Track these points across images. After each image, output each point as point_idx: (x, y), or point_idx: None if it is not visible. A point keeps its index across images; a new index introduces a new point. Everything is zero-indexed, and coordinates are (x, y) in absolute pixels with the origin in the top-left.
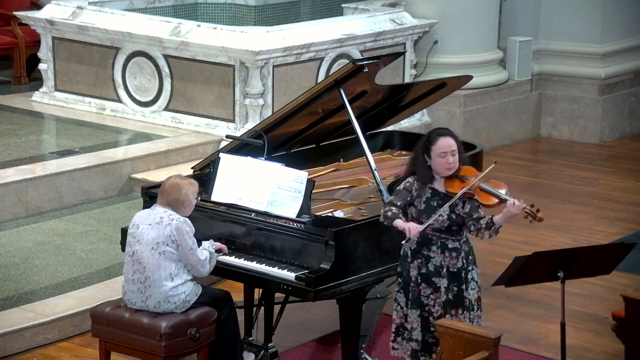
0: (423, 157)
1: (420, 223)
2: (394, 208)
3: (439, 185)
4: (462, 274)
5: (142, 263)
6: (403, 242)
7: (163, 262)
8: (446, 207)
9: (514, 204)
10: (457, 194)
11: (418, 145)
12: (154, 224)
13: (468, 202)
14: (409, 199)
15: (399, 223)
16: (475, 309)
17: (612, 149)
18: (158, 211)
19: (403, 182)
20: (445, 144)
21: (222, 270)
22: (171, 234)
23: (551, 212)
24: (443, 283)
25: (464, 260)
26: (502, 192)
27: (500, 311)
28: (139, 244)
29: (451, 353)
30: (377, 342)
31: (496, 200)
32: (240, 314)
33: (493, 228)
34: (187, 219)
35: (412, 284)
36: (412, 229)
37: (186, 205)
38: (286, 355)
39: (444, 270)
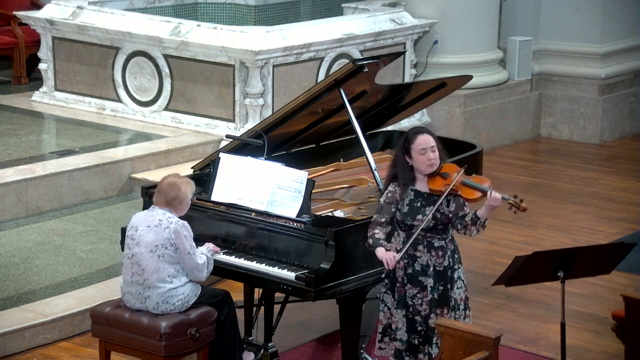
0: (404, 158)
1: (405, 225)
2: (377, 231)
3: (421, 186)
4: (449, 273)
5: (141, 265)
6: (383, 275)
7: (162, 265)
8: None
9: (492, 195)
10: (440, 191)
11: (397, 147)
12: (153, 227)
13: (453, 200)
14: (393, 210)
15: (379, 253)
16: (462, 308)
17: (612, 149)
18: (157, 213)
19: (384, 194)
20: (424, 140)
21: (222, 270)
22: (169, 237)
23: (551, 212)
24: (429, 282)
25: (450, 259)
26: (485, 185)
27: (500, 311)
28: (137, 247)
29: (451, 353)
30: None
31: (479, 194)
32: (240, 314)
33: (479, 222)
34: (185, 222)
35: (397, 284)
36: (390, 260)
37: (184, 204)
38: (286, 355)
39: (430, 269)
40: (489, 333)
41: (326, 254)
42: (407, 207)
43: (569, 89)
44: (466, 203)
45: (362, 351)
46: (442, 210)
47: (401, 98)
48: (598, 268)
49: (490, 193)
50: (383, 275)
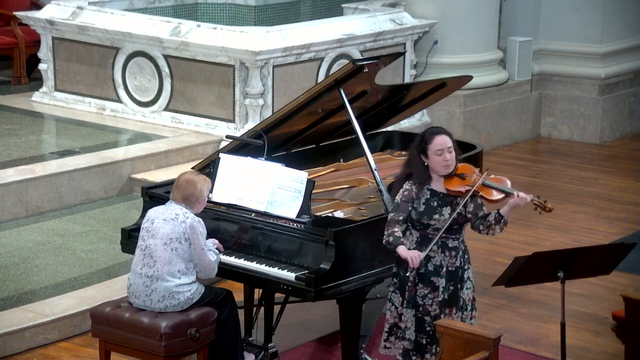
0: (419, 158)
1: (421, 224)
2: (396, 229)
3: (437, 185)
4: (459, 273)
5: (154, 257)
6: (408, 273)
7: (174, 259)
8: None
9: (519, 196)
10: (460, 192)
11: (412, 146)
12: (169, 220)
13: (471, 200)
14: (410, 208)
15: (401, 251)
16: (469, 308)
17: (612, 149)
18: (174, 207)
19: (400, 192)
20: (441, 141)
21: (222, 270)
22: (185, 231)
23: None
24: (441, 283)
25: (462, 259)
26: (507, 186)
27: (500, 311)
28: (152, 238)
29: (451, 353)
30: (377, 342)
31: (502, 195)
32: (240, 314)
33: (502, 221)
34: (200, 219)
35: (409, 284)
36: (415, 258)
37: (200, 201)
38: (286, 355)
39: (443, 269)
40: (489, 333)
41: (326, 254)
42: (424, 207)
43: (569, 89)
44: (484, 203)
45: (362, 351)
46: (459, 211)
47: (401, 98)
48: (598, 268)
49: (517, 194)
50: (392, 276)
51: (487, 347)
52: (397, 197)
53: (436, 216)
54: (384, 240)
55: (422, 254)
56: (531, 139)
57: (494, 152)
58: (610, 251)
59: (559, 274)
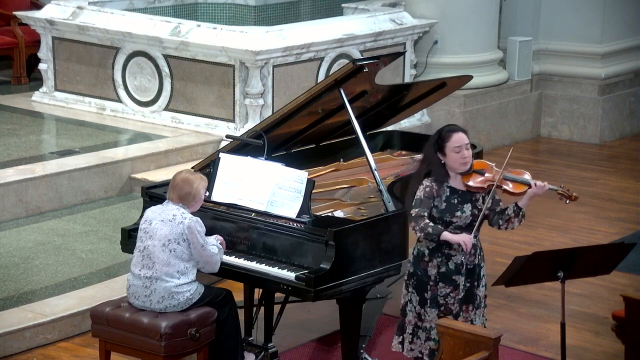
0: (436, 156)
1: (443, 222)
2: (427, 221)
3: (456, 183)
4: (477, 271)
5: (152, 259)
6: (462, 257)
7: (173, 260)
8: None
9: (536, 185)
10: (482, 188)
11: (428, 144)
12: (167, 221)
13: (488, 196)
14: (432, 204)
15: (449, 237)
16: (482, 306)
17: (612, 149)
18: (171, 208)
19: (421, 189)
20: (459, 138)
21: (222, 270)
22: (183, 232)
23: (551, 212)
24: (461, 280)
25: (479, 257)
26: (527, 177)
27: (500, 311)
28: (150, 240)
29: (451, 353)
30: (377, 342)
31: (525, 188)
32: (240, 314)
33: (521, 213)
34: (199, 218)
35: (430, 283)
36: (467, 242)
37: (197, 200)
38: (286, 355)
39: (464, 267)
40: (489, 333)
41: (326, 254)
42: (445, 204)
43: (569, 89)
44: (504, 197)
45: (362, 351)
46: (479, 207)
47: (401, 98)
48: (598, 268)
49: (535, 183)
50: (406, 276)
51: (487, 347)
52: (419, 194)
53: (458, 213)
54: (418, 233)
55: (472, 236)
56: (531, 139)
57: (494, 152)
58: (610, 251)
59: (559, 274)
